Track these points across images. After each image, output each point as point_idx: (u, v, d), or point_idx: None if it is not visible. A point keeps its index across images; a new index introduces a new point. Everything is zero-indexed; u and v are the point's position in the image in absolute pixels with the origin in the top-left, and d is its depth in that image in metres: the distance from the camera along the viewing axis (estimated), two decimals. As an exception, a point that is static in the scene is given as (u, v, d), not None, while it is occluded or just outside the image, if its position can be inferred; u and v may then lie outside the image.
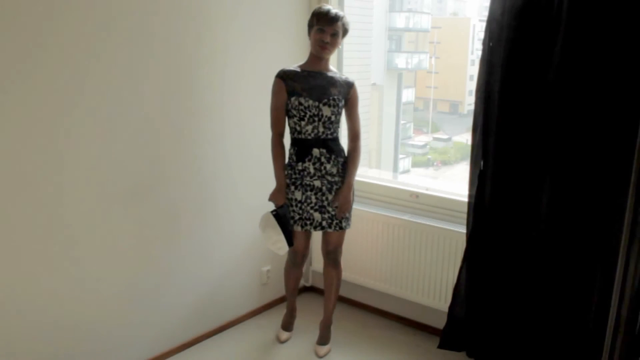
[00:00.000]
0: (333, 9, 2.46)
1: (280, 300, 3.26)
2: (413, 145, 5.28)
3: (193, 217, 2.69)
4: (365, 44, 3.68)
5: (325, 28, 2.41)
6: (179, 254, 2.66)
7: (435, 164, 5.38)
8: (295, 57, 3.00)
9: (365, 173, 3.25)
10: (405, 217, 2.91)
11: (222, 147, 2.76)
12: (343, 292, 3.18)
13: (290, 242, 2.55)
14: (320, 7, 2.47)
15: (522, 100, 2.27)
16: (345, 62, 3.23)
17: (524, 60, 2.24)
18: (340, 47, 2.57)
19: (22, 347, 2.14)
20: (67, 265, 2.23)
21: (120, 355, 2.48)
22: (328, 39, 2.42)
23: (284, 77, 2.47)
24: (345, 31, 2.49)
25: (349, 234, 3.02)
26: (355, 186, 3.13)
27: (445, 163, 5.51)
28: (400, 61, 4.76)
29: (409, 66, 4.80)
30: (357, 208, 3.02)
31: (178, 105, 2.52)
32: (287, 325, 2.93)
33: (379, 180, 3.14)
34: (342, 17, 2.45)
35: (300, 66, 2.52)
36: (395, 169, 4.14)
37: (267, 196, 2.57)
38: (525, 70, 2.24)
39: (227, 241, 2.90)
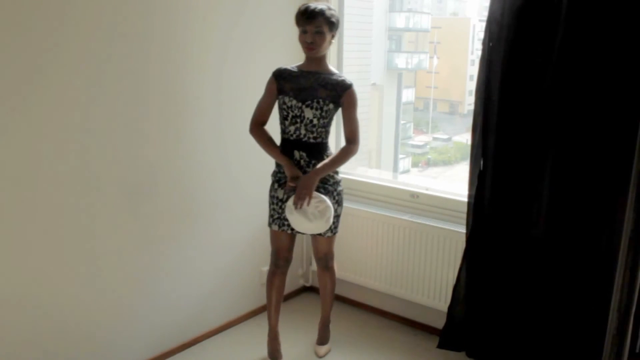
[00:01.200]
0: (314, 4, 2.28)
1: (280, 300, 3.25)
2: (413, 145, 5.28)
3: (192, 217, 2.69)
4: (365, 44, 3.67)
5: (307, 28, 2.26)
6: (179, 254, 2.66)
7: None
8: (291, 57, 2.99)
9: (365, 173, 3.25)
10: (405, 217, 2.91)
11: (221, 146, 2.76)
12: (343, 292, 3.18)
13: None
14: (300, 6, 2.31)
15: (521, 100, 2.27)
16: (345, 62, 3.23)
17: (523, 60, 2.24)
18: (333, 42, 2.36)
19: (22, 346, 2.14)
20: (67, 266, 2.23)
21: (121, 355, 2.48)
22: (310, 38, 2.27)
23: (277, 76, 2.41)
24: (331, 24, 2.28)
25: (349, 234, 3.02)
26: (356, 186, 3.13)
27: (445, 163, 5.50)
28: (400, 61, 4.75)
29: (409, 66, 4.80)
30: (358, 208, 3.02)
31: (175, 106, 2.52)
32: (275, 353, 2.66)
33: (378, 180, 3.14)
34: (324, 11, 2.25)
35: (298, 66, 2.44)
36: (395, 169, 4.14)
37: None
38: (525, 70, 2.24)
39: (227, 241, 2.90)
